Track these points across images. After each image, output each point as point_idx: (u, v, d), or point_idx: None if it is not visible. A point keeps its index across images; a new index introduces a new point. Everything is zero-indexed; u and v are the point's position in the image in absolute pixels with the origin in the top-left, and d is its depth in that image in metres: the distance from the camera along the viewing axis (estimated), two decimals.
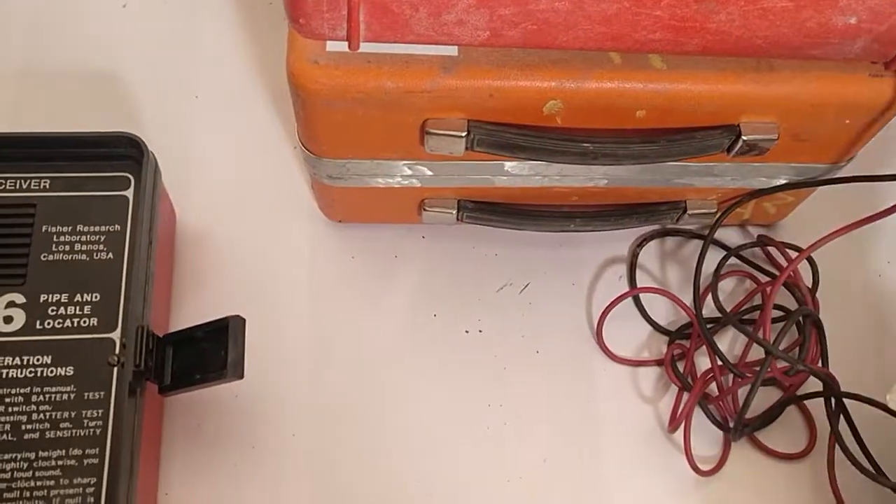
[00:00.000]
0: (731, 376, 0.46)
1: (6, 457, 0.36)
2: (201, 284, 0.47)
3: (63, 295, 0.39)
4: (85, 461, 0.36)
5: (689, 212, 0.46)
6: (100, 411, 0.37)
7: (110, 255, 0.40)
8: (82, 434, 0.37)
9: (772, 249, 0.50)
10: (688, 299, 0.48)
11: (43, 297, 0.39)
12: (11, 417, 0.37)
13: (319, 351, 0.46)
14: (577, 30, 0.32)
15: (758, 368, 0.42)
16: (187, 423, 0.44)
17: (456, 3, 0.31)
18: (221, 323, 0.38)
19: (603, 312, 0.48)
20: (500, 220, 0.45)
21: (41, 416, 0.37)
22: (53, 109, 0.51)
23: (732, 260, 0.49)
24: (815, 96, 0.38)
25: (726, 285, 0.50)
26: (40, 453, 0.36)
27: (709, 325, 0.47)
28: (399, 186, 0.43)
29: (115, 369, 0.38)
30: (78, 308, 0.39)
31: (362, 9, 0.31)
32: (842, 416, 0.43)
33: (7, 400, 0.37)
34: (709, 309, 0.48)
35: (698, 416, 0.46)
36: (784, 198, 0.47)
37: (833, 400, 0.43)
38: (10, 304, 0.39)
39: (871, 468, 0.42)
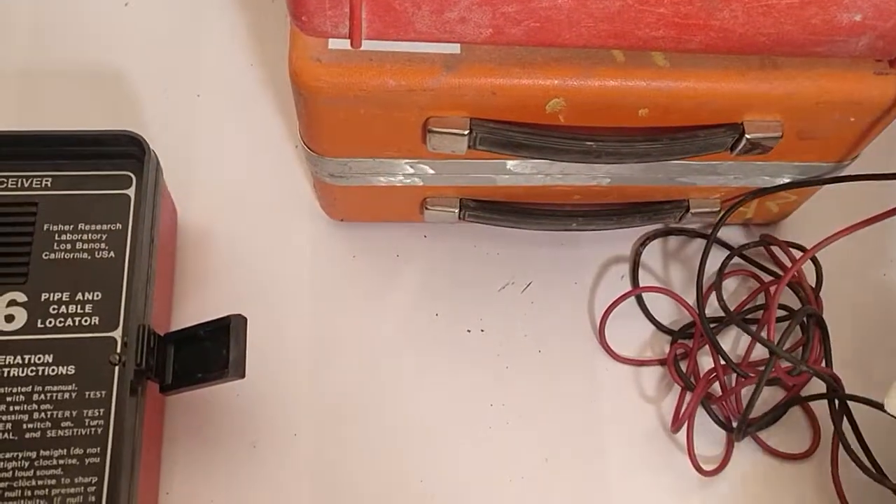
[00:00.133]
0: (734, 376, 0.46)
1: (7, 456, 0.36)
2: (203, 283, 0.47)
3: (64, 293, 0.39)
4: (86, 460, 0.36)
5: (692, 210, 0.46)
6: (101, 410, 0.37)
7: (112, 253, 0.40)
8: (83, 433, 0.37)
9: (775, 249, 0.49)
10: (691, 299, 0.48)
11: (44, 296, 0.39)
12: (13, 416, 0.37)
13: (321, 350, 0.46)
14: (580, 27, 0.32)
15: (761, 368, 0.42)
16: (188, 423, 0.44)
17: (458, 1, 0.31)
18: (223, 322, 0.38)
19: (605, 312, 0.48)
20: (503, 218, 0.45)
21: (42, 415, 0.37)
22: (55, 108, 0.51)
23: (735, 259, 0.49)
24: (820, 94, 0.37)
25: (729, 285, 0.50)
26: (41, 452, 0.36)
27: (712, 325, 0.47)
28: (401, 185, 0.43)
29: (117, 368, 0.38)
30: (79, 307, 0.39)
31: (365, 6, 0.31)
32: (845, 417, 0.43)
33: (8, 399, 0.37)
34: (711, 309, 0.48)
35: (701, 416, 0.46)
36: (787, 197, 0.47)
37: (837, 402, 0.43)
38: (12, 303, 0.39)
39: (873, 470, 0.42)
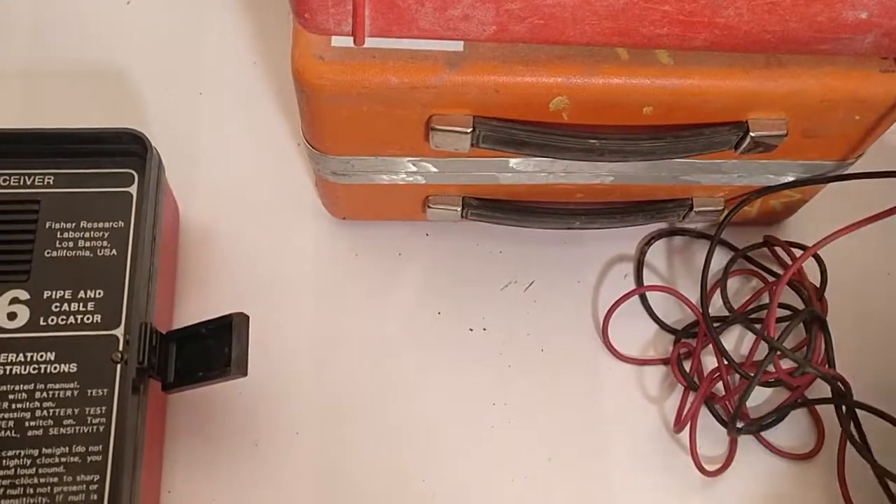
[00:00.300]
0: (737, 376, 0.46)
1: (9, 454, 0.36)
2: (205, 281, 0.47)
3: (67, 291, 0.39)
4: (88, 458, 0.36)
5: (696, 209, 0.46)
6: (103, 408, 0.37)
7: (114, 251, 0.40)
8: (85, 431, 0.37)
9: (778, 249, 0.49)
10: (694, 298, 0.48)
11: (46, 294, 0.39)
12: (15, 414, 0.37)
13: (323, 348, 0.46)
14: (584, 25, 0.32)
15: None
16: (190, 421, 0.44)
17: None
18: (225, 320, 0.38)
19: (608, 311, 0.48)
20: (505, 217, 0.45)
21: (44, 412, 0.37)
22: (57, 106, 0.51)
23: (739, 259, 0.49)
24: (825, 92, 0.37)
25: (733, 284, 0.49)
26: (44, 450, 0.36)
27: (715, 325, 0.47)
28: (403, 183, 0.43)
29: (119, 366, 0.38)
30: (81, 305, 0.39)
31: (368, 3, 0.31)
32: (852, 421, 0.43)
33: (10, 396, 0.37)
34: (714, 308, 0.48)
35: (704, 416, 0.45)
36: (792, 195, 0.47)
37: (845, 408, 0.43)
38: (14, 301, 0.39)
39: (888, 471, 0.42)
